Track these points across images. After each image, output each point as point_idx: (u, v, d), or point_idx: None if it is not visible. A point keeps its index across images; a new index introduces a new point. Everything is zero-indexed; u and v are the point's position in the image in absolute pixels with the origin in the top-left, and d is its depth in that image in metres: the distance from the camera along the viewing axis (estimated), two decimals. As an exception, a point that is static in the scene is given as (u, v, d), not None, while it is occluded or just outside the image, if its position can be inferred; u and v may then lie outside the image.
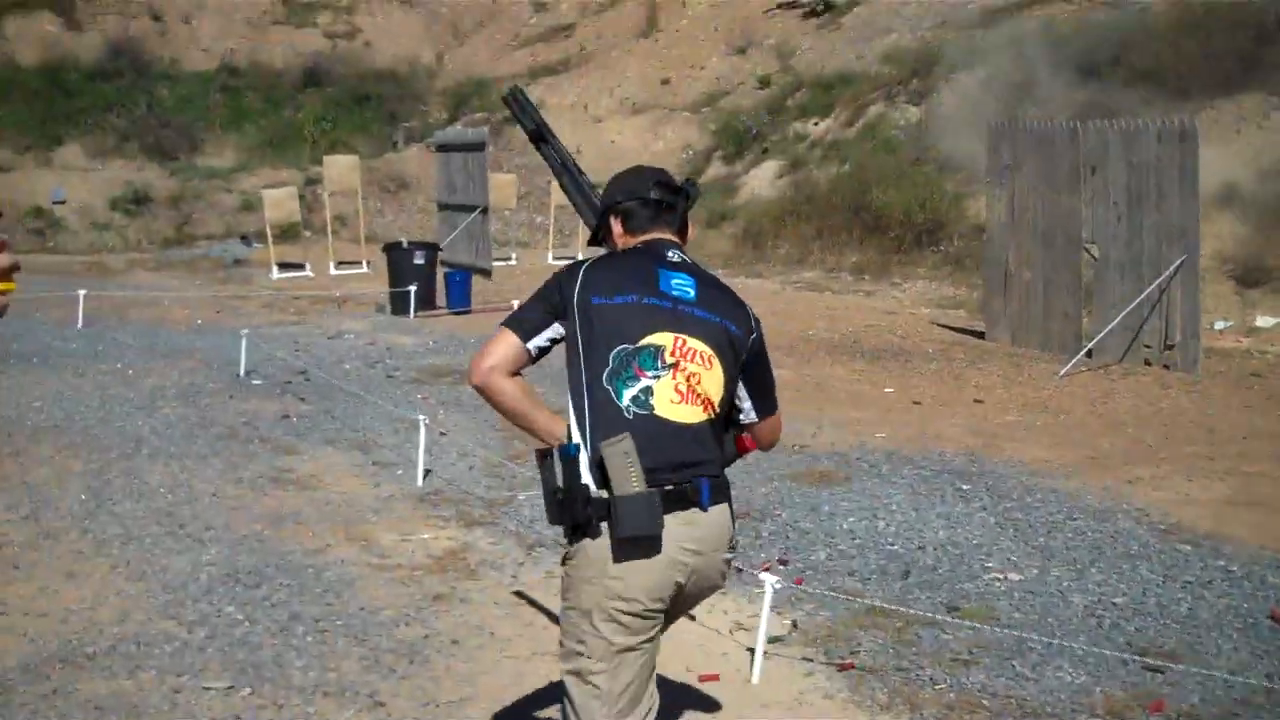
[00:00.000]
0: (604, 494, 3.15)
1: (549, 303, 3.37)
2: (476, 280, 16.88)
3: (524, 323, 3.36)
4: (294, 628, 5.71)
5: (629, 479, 3.11)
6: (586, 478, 3.18)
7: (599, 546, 3.16)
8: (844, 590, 6.18)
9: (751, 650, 5.35)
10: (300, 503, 7.85)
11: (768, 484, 8.24)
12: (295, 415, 10.33)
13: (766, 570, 5.91)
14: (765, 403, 3.54)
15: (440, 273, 16.37)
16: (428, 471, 8.47)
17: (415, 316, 15.64)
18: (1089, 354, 12.60)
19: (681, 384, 3.27)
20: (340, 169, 19.91)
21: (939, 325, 15.11)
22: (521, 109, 3.99)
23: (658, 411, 3.24)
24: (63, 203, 23.02)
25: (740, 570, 5.79)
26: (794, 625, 5.87)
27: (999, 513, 7.63)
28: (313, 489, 8.18)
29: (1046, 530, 7.29)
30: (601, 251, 3.62)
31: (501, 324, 3.41)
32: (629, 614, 3.18)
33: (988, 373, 12.35)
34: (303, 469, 8.65)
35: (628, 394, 3.24)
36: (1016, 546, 7.00)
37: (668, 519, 3.16)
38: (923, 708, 4.95)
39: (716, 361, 3.33)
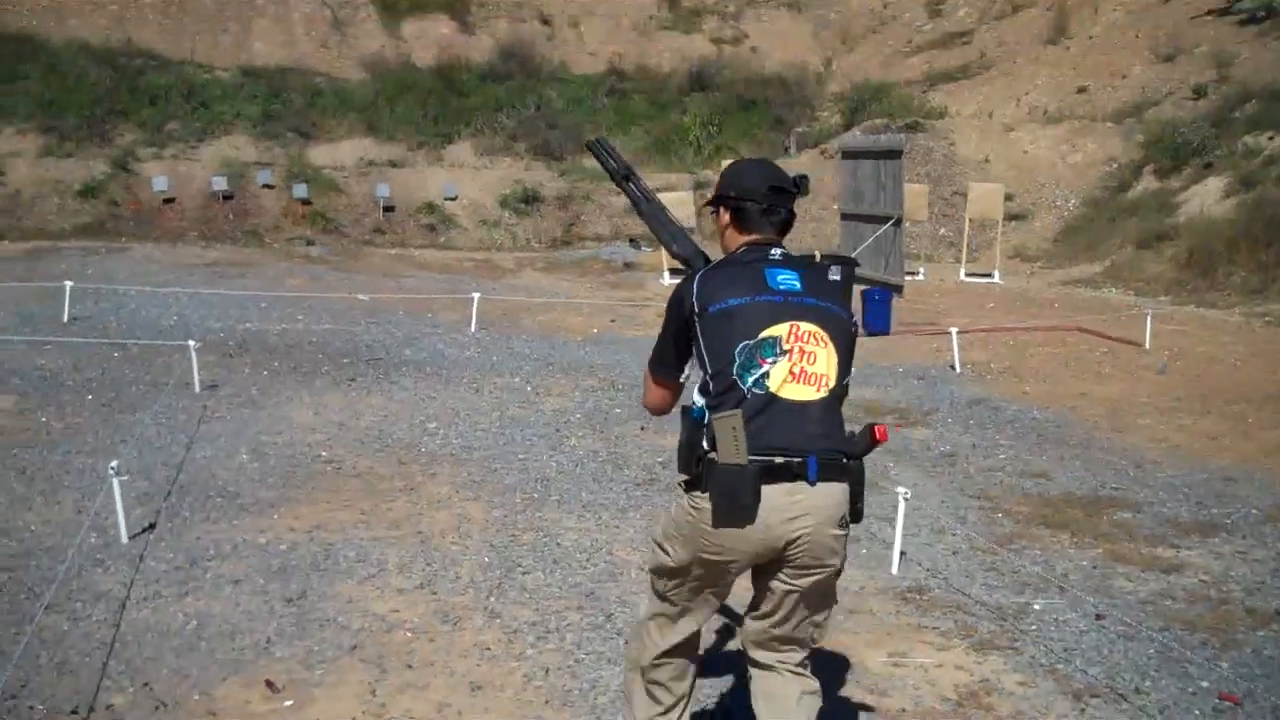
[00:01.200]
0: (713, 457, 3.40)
1: (676, 327, 3.61)
2: (887, 299, 14.83)
3: (665, 359, 3.72)
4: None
5: (731, 451, 3.35)
6: (707, 444, 3.43)
7: (704, 503, 3.44)
8: None
9: None
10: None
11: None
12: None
13: None
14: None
15: (857, 290, 14.37)
16: (902, 553, 6.48)
17: (825, 339, 13.71)
18: None
19: (796, 366, 3.46)
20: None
21: None
22: (608, 153, 4.14)
23: (774, 390, 3.43)
24: (454, 199, 22.33)
25: None
26: None
27: None
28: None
29: None
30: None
31: (648, 366, 3.82)
32: (720, 558, 3.51)
33: None
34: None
35: (750, 379, 3.43)
36: None
37: (771, 489, 3.38)
38: None
39: (829, 342, 3.52)
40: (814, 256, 12.37)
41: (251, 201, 21.13)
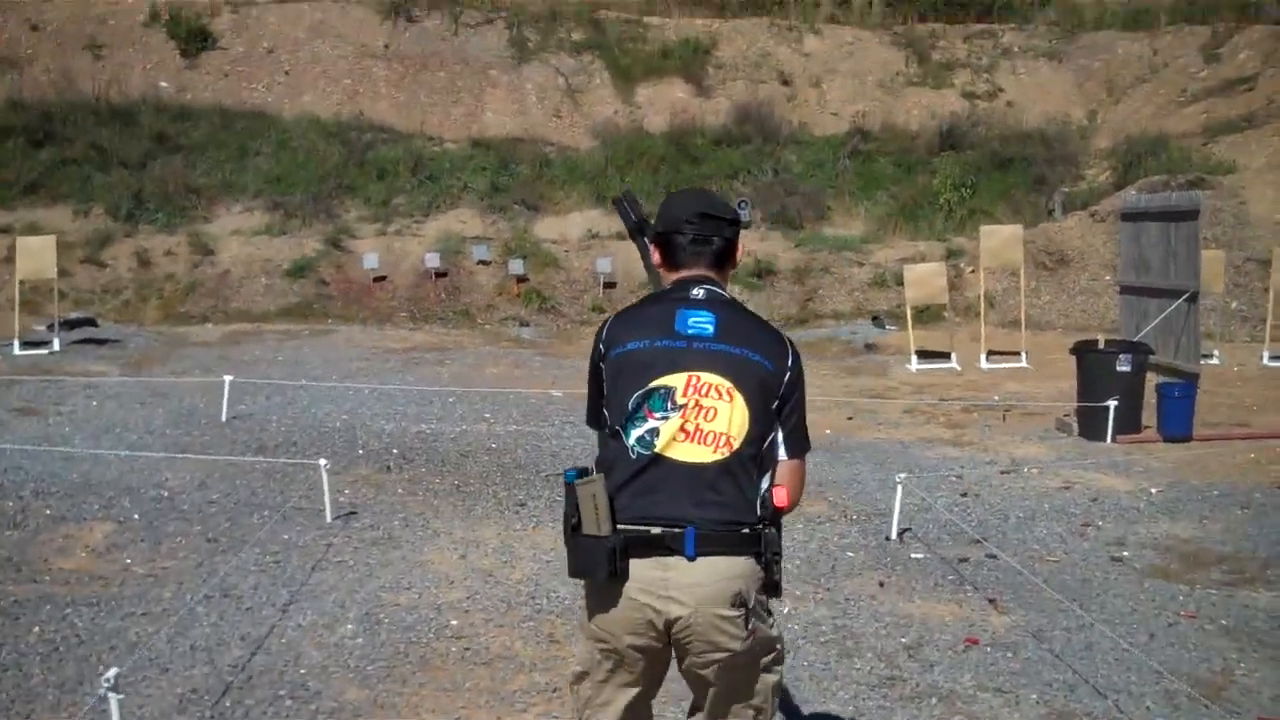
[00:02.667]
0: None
1: (591, 374, 3.30)
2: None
3: (590, 412, 3.33)
4: None
5: (591, 521, 3.04)
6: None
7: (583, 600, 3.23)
8: None
9: None
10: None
11: None
12: (991, 640, 5.97)
13: None
14: (793, 441, 3.23)
15: (1150, 382, 11.47)
16: None
17: (1115, 442, 10.88)
18: None
19: (690, 423, 3.09)
20: (1000, 241, 15.43)
21: None
22: (631, 207, 3.65)
23: (661, 451, 3.08)
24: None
25: None
26: None
27: None
28: None
29: None
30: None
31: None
32: (607, 646, 3.15)
33: None
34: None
35: (634, 434, 3.10)
36: None
37: (639, 563, 3.03)
38: None
39: (737, 394, 3.11)
40: (1097, 342, 9.50)
41: (466, 279, 19.43)
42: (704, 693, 3.23)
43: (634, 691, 3.24)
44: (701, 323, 3.17)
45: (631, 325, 3.24)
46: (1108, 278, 18.55)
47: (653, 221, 3.39)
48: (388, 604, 6.37)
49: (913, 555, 7.50)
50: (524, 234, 21.26)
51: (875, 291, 19.26)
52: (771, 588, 3.16)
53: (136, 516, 7.90)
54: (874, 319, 18.13)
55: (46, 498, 8.29)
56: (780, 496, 3.17)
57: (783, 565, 3.20)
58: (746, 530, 3.08)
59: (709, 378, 3.11)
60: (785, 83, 27.03)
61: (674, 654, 3.18)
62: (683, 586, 3.03)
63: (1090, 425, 11.10)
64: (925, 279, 15.43)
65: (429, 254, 19.35)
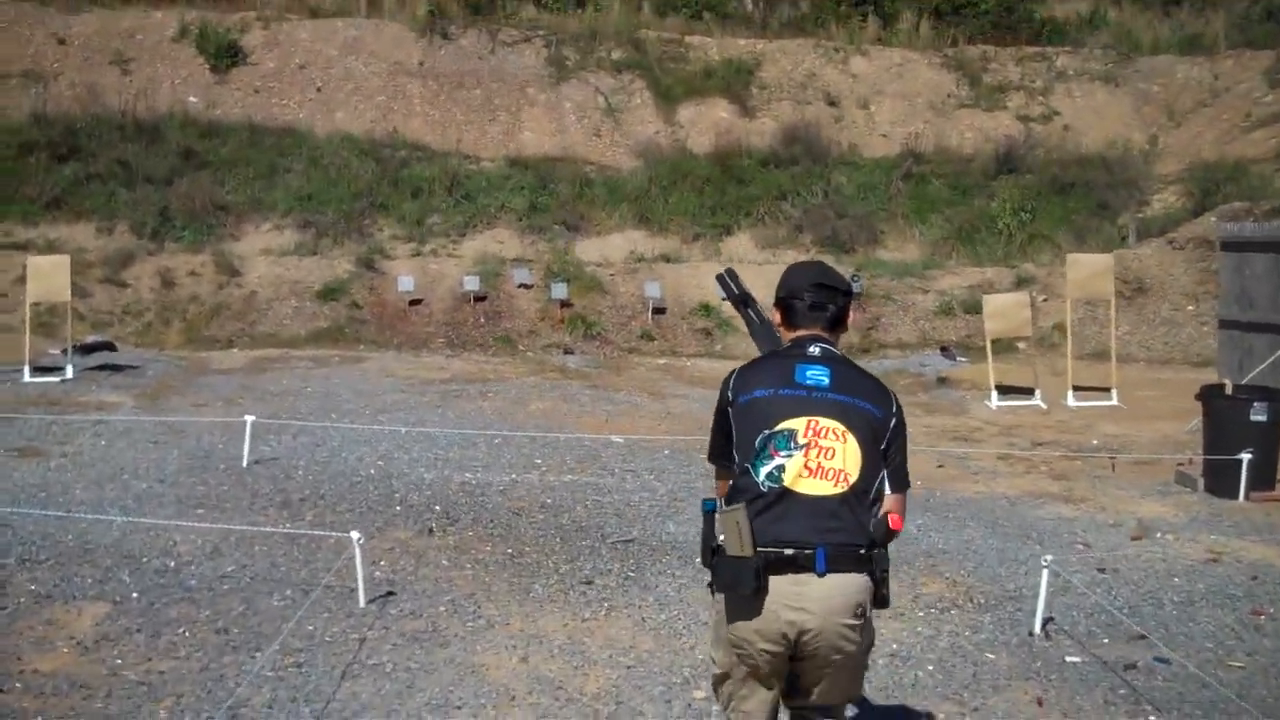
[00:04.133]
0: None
1: (718, 417, 3.71)
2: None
3: (716, 450, 3.75)
4: None
5: (735, 544, 3.39)
6: (719, 538, 3.49)
7: (721, 598, 3.54)
8: None
9: None
10: None
11: None
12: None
13: None
14: (896, 479, 3.64)
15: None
16: None
17: (1249, 499, 9.38)
18: None
19: (813, 461, 3.45)
20: (1089, 272, 13.88)
21: None
22: (735, 280, 4.23)
23: (789, 485, 3.43)
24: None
25: None
26: None
27: None
28: None
29: None
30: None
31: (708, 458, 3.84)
32: (744, 652, 3.51)
33: None
34: None
35: (764, 470, 3.46)
36: None
37: (777, 580, 3.38)
38: None
39: (851, 437, 3.49)
40: (1224, 387, 8.03)
41: (506, 303, 17.99)
42: (815, 684, 3.58)
43: (767, 691, 3.61)
44: (818, 375, 3.57)
45: (757, 375, 3.65)
46: (1190, 308, 17.06)
47: (777, 291, 3.82)
48: (435, 730, 4.94)
49: (1068, 659, 6.03)
50: (564, 256, 19.86)
51: (941, 320, 17.77)
52: (880, 601, 3.52)
53: (135, 595, 6.49)
54: (943, 350, 16.61)
55: (34, 567, 6.90)
56: (895, 520, 3.53)
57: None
58: (863, 551, 3.45)
59: (826, 422, 3.49)
60: (832, 104, 25.58)
61: (796, 657, 3.52)
62: (814, 599, 3.39)
63: (1219, 480, 9.58)
64: (1007, 310, 13.91)
65: (467, 276, 17.94)
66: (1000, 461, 10.95)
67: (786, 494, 3.43)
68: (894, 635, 6.26)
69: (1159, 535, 8.48)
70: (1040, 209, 22.13)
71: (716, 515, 3.50)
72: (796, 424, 3.49)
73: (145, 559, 7.09)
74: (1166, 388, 14.63)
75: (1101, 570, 7.54)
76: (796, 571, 3.39)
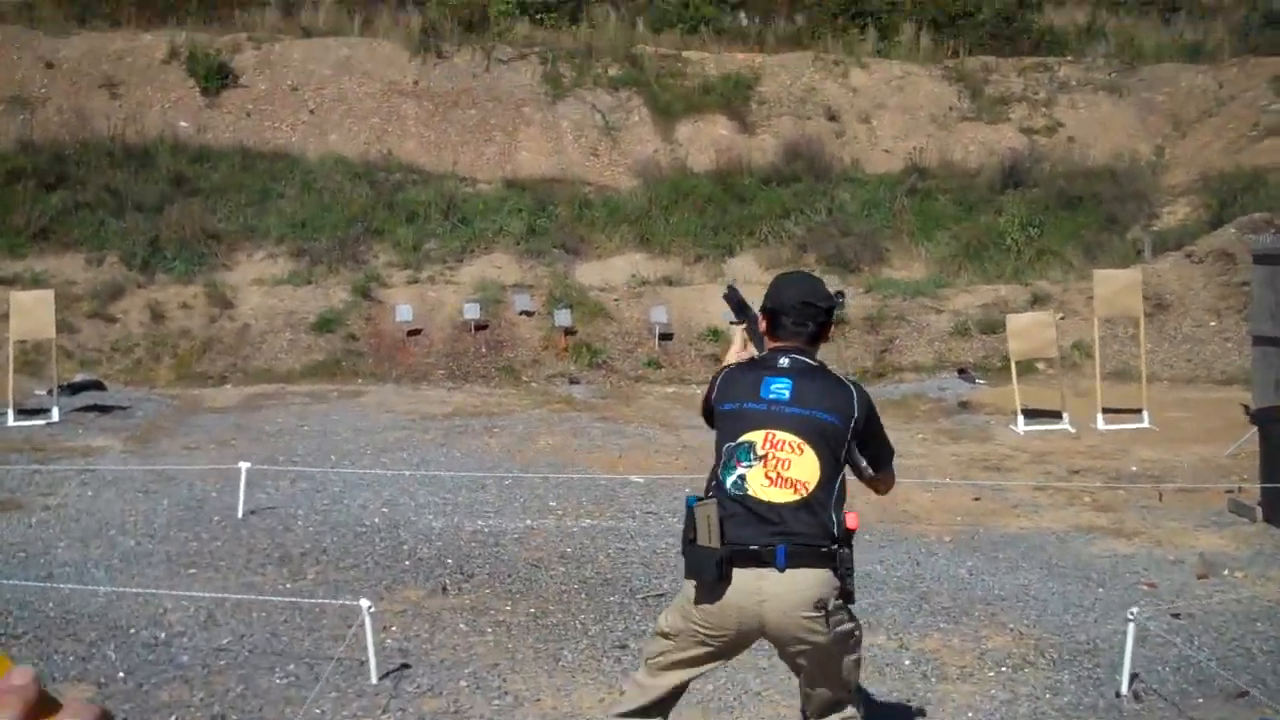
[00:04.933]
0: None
1: (705, 404, 4.12)
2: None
3: (704, 413, 4.17)
4: None
5: (705, 535, 3.67)
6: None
7: (691, 589, 3.80)
8: None
9: None
10: None
11: None
12: None
13: None
14: (879, 460, 4.04)
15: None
16: None
17: (1314, 536, 8.76)
18: None
19: (771, 472, 3.73)
20: (1117, 288, 13.23)
21: None
22: (737, 295, 4.44)
23: (751, 493, 3.73)
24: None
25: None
26: None
27: None
28: None
29: None
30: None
31: None
32: (698, 628, 3.79)
33: None
34: None
35: (729, 479, 3.77)
36: None
37: (741, 573, 3.66)
38: None
39: (808, 449, 3.75)
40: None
41: (508, 331, 17.29)
42: (798, 671, 3.91)
43: (696, 670, 3.96)
44: (780, 389, 3.86)
45: (731, 386, 3.98)
46: (1212, 323, 16.45)
47: (765, 301, 4.06)
48: (466, 841, 4.27)
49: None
50: (564, 280, 19.21)
51: (957, 341, 17.09)
52: (846, 595, 3.77)
53: (122, 675, 5.81)
54: (960, 372, 15.95)
55: (9, 643, 6.22)
56: (851, 520, 3.78)
57: None
58: (825, 549, 3.70)
59: (783, 435, 3.78)
60: (832, 118, 25.00)
61: (774, 646, 3.93)
62: (773, 593, 3.65)
63: (1278, 510, 8.96)
64: (1031, 330, 13.26)
65: (467, 304, 17.25)
66: (1039, 492, 10.30)
67: (750, 501, 3.71)
68: (966, 700, 5.63)
69: (1225, 573, 7.85)
70: (1048, 224, 21.55)
71: (693, 507, 3.73)
72: (756, 437, 3.78)
73: (133, 630, 6.42)
74: (1195, 408, 14.03)
75: (1176, 616, 6.89)
76: (760, 566, 3.64)
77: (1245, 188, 19.33)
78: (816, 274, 19.82)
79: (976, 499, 10.03)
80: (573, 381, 16.10)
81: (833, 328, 4.21)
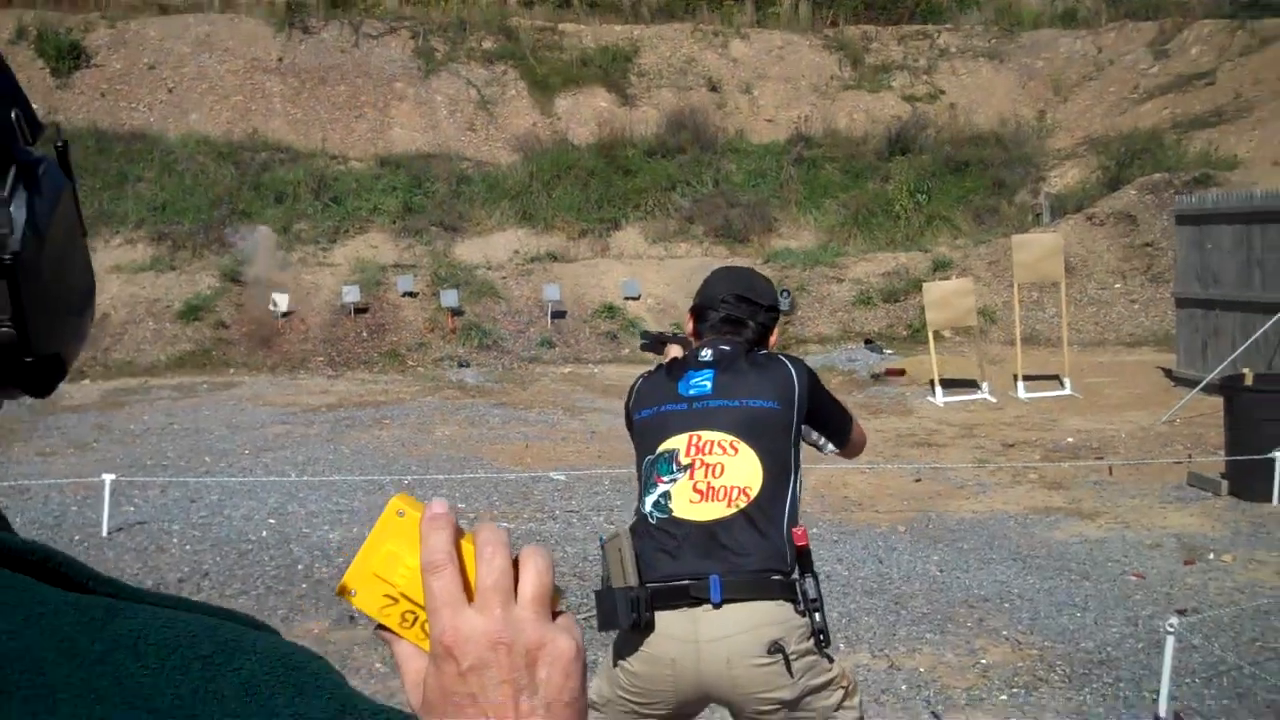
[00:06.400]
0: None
1: (627, 423, 3.21)
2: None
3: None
4: None
5: (619, 575, 2.83)
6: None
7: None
8: None
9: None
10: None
11: None
12: None
13: None
14: (838, 433, 3.23)
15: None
16: None
17: (1281, 505, 8.09)
18: None
19: (700, 483, 2.91)
20: (1038, 253, 12.49)
21: None
22: (653, 337, 3.59)
23: (676, 514, 2.90)
24: (636, 299, 16.90)
25: None
26: None
27: None
28: None
29: None
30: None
31: None
32: (625, 691, 2.89)
33: None
34: None
35: (649, 501, 2.96)
36: None
37: (668, 616, 2.79)
38: None
39: (744, 445, 2.94)
40: (1243, 376, 6.71)
41: (390, 314, 15.98)
42: None
43: None
44: (701, 382, 3.04)
45: (648, 392, 3.15)
46: (1117, 286, 15.94)
47: (695, 297, 3.29)
48: None
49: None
50: (445, 258, 17.98)
51: (861, 311, 16.31)
52: (817, 635, 2.81)
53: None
54: (867, 343, 15.15)
55: None
56: (799, 536, 2.88)
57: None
58: (779, 577, 2.82)
59: (710, 435, 2.96)
60: (714, 89, 24.15)
61: (729, 710, 2.93)
62: (709, 637, 2.77)
63: (1245, 483, 8.24)
64: (950, 299, 12.47)
65: (345, 286, 15.91)
66: (980, 470, 9.49)
67: (676, 524, 2.88)
68: (983, 735, 4.69)
69: (1211, 556, 7.08)
70: (936, 190, 20.97)
71: (604, 545, 2.93)
72: (678, 443, 2.97)
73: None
74: (1112, 372, 13.46)
75: (1183, 612, 6.06)
76: (691, 605, 2.79)
77: (1142, 149, 18.89)
78: (705, 246, 19.13)
79: (918, 480, 9.18)
80: (463, 365, 14.90)
81: (774, 339, 3.23)
